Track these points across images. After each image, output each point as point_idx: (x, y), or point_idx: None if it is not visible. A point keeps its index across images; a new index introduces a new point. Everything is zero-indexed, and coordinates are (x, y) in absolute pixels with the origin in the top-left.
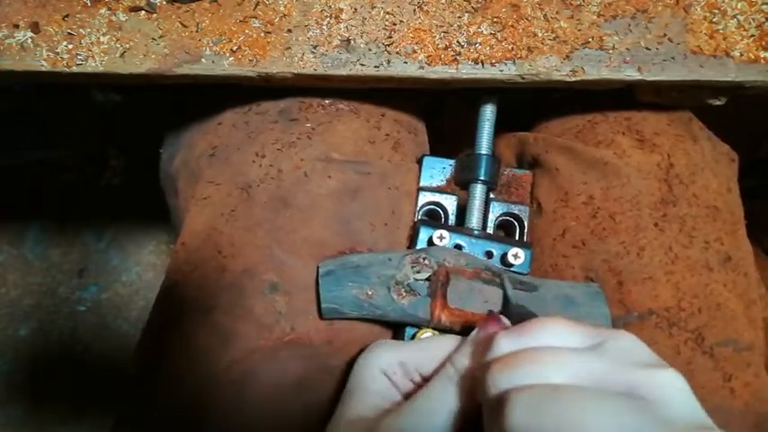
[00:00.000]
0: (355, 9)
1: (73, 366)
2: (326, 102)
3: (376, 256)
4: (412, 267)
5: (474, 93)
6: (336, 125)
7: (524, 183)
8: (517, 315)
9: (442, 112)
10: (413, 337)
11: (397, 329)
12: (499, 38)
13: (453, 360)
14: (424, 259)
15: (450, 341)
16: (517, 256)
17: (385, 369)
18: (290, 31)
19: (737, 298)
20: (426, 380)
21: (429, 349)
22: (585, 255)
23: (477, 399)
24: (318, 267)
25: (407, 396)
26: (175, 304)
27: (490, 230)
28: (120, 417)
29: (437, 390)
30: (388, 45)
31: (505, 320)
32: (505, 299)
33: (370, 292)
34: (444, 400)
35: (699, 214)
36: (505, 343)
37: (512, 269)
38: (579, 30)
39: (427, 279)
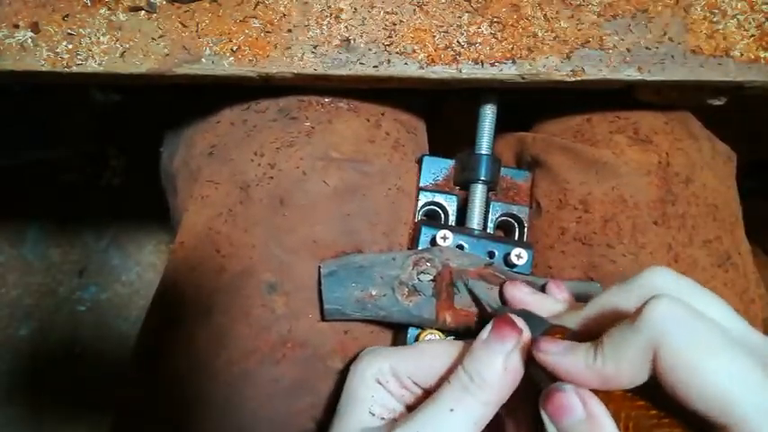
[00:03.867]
0: (355, 9)
1: (73, 366)
2: (326, 100)
3: (379, 257)
4: (416, 268)
5: (474, 92)
6: (336, 124)
7: (524, 187)
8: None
9: (442, 111)
10: (416, 339)
11: (398, 331)
12: (499, 38)
13: (466, 366)
14: (428, 260)
15: (443, 346)
16: (520, 256)
17: (377, 377)
18: (290, 31)
19: (737, 297)
20: (426, 389)
21: (421, 355)
22: (585, 254)
23: (494, 404)
24: (320, 268)
25: (410, 407)
26: (174, 304)
27: (490, 231)
28: (118, 416)
29: (450, 398)
30: (388, 45)
31: (519, 321)
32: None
33: (373, 293)
34: (461, 409)
35: (698, 213)
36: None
37: (514, 269)
38: (579, 30)
39: (432, 280)
